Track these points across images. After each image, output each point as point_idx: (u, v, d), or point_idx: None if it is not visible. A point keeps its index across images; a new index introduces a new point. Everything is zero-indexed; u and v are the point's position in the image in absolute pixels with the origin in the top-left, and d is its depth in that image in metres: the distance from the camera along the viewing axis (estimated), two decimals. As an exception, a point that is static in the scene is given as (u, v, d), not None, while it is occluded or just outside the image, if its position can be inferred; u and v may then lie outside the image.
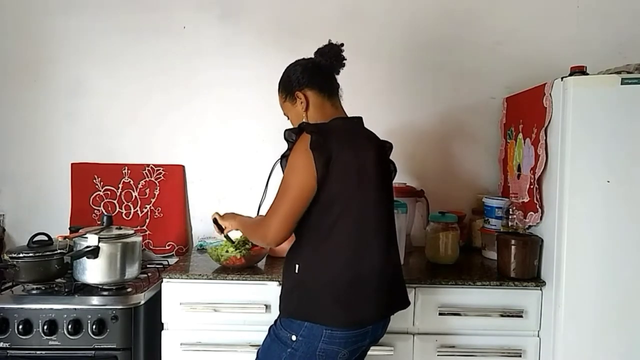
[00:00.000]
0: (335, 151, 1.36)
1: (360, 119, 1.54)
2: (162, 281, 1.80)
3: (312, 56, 1.54)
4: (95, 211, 2.30)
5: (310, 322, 1.35)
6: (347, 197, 1.38)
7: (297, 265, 1.40)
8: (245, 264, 1.84)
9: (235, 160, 2.34)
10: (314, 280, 1.37)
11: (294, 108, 1.52)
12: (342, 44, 1.51)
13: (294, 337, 1.36)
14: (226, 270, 1.82)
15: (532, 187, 1.82)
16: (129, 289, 1.83)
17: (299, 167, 1.35)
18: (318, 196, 1.36)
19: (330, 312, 1.35)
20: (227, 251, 1.83)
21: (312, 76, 1.49)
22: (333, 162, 1.35)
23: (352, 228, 1.38)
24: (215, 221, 1.69)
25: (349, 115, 1.53)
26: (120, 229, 1.86)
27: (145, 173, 2.32)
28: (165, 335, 1.80)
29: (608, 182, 1.62)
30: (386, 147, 1.58)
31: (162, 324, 1.81)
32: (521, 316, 1.76)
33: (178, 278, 1.79)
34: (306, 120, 1.48)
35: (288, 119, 1.57)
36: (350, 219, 1.38)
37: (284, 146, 1.46)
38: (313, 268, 1.38)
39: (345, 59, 1.52)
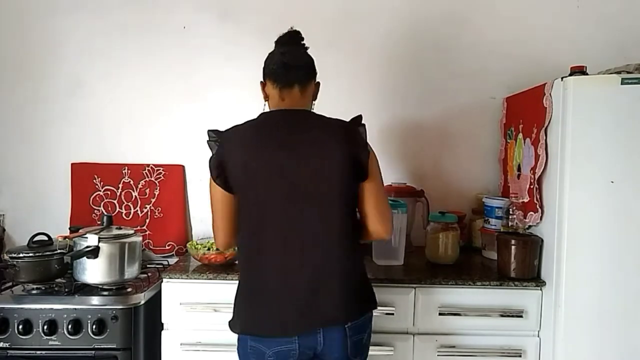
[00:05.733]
0: (232, 154, 1.36)
1: (304, 111, 1.43)
2: (162, 281, 1.80)
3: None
4: (95, 211, 2.30)
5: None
6: (252, 199, 1.36)
7: None
8: (223, 263, 1.87)
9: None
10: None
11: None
12: (297, 31, 1.48)
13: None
14: (226, 270, 1.82)
15: (532, 187, 1.82)
16: (129, 289, 1.83)
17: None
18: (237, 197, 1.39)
19: (233, 319, 1.41)
20: (207, 249, 1.92)
21: (266, 66, 1.46)
22: (229, 166, 1.36)
23: (250, 234, 1.37)
24: None
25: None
26: (120, 229, 1.86)
27: (145, 173, 2.32)
28: (165, 335, 1.80)
29: (612, 182, 1.61)
30: (349, 139, 1.38)
31: (162, 324, 1.81)
32: (521, 316, 1.76)
33: (178, 278, 1.79)
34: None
35: None
36: (249, 223, 1.37)
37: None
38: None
39: (298, 46, 1.47)
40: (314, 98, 1.50)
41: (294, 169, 1.33)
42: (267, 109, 1.47)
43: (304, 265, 1.33)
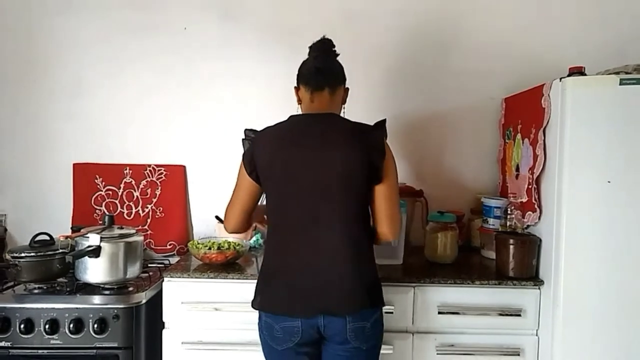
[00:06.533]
0: (260, 152, 1.47)
1: (329, 115, 1.51)
2: (163, 280, 1.81)
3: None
4: (97, 211, 2.31)
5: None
6: (276, 192, 1.48)
7: None
8: (224, 262, 1.89)
9: (236, 160, 2.34)
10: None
11: None
12: (329, 40, 1.56)
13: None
14: (227, 269, 1.83)
15: (530, 187, 1.83)
16: (131, 288, 1.84)
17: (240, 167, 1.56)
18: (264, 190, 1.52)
19: (254, 297, 1.51)
20: (209, 248, 1.93)
21: (300, 72, 1.56)
22: (258, 162, 1.47)
23: (274, 224, 1.50)
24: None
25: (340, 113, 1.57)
26: (121, 228, 1.87)
27: (147, 173, 2.33)
28: (166, 334, 1.81)
29: (609, 182, 1.62)
30: (364, 144, 1.44)
31: (164, 323, 1.82)
32: (520, 315, 1.77)
33: (179, 277, 1.80)
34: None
35: None
36: (273, 214, 1.50)
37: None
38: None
39: (329, 53, 1.55)
40: (343, 102, 1.59)
41: (313, 168, 1.42)
42: (299, 112, 1.57)
43: (316, 256, 1.43)
